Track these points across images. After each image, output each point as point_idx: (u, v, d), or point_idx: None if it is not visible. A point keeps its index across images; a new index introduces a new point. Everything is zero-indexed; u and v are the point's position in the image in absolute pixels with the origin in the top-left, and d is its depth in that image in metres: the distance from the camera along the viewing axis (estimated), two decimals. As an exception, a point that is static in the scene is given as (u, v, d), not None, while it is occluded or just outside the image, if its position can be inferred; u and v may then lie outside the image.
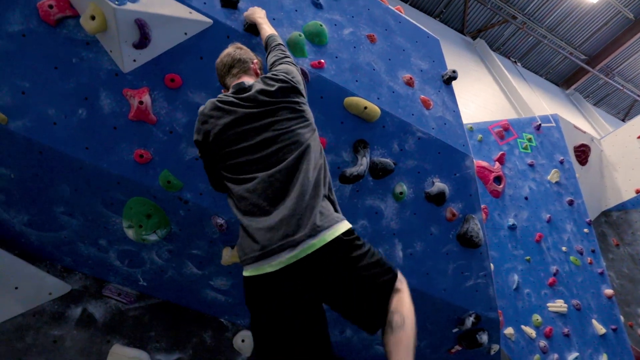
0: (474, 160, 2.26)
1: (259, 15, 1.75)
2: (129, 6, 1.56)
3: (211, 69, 1.78)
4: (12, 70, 1.57)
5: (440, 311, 2.29)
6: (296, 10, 2.01)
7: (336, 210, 1.35)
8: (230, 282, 2.14)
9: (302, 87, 1.49)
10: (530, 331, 3.40)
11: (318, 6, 2.09)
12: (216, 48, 1.75)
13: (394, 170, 2.07)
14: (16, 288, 1.85)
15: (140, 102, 1.67)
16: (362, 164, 1.94)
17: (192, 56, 1.75)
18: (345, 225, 1.27)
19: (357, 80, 2.02)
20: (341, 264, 1.22)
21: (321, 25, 1.98)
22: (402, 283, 1.35)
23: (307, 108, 1.47)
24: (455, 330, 2.37)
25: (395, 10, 2.41)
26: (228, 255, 1.96)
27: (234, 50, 1.55)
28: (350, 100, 1.95)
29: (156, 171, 1.75)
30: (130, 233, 1.82)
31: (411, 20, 2.46)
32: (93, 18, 1.55)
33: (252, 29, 1.80)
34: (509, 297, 3.50)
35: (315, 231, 1.19)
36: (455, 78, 2.34)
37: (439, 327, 2.39)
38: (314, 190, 1.27)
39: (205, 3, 1.76)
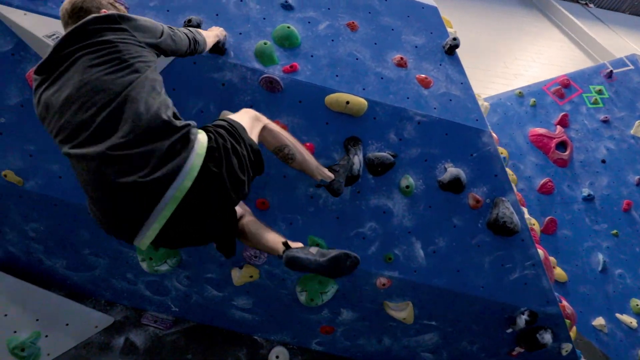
0: (494, 134, 1.95)
1: (214, 32, 1.71)
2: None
3: (185, 98, 1.81)
4: (18, 138, 1.78)
5: (484, 311, 2.01)
6: (264, 19, 1.95)
7: None
8: (251, 301, 2.14)
9: (131, 25, 1.23)
10: (629, 320, 2.83)
11: (288, 8, 2.00)
12: (182, 74, 1.77)
13: (394, 163, 1.87)
14: (67, 324, 2.09)
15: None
16: (354, 162, 1.79)
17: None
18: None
19: (337, 75, 1.88)
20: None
21: (289, 27, 1.89)
22: (258, 120, 1.49)
23: (131, 45, 1.20)
24: (509, 330, 2.06)
25: (381, -12, 2.21)
26: (237, 276, 1.97)
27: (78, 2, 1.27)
28: (330, 98, 1.82)
29: (153, 205, 1.83)
30: (144, 266, 1.93)
31: (403, -4, 2.23)
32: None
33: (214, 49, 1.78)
34: (594, 281, 2.96)
35: None
36: (457, 45, 2.04)
37: (488, 328, 2.09)
38: None
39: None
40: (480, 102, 3.19)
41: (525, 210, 2.63)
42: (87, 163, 1.08)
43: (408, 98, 1.90)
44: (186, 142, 1.14)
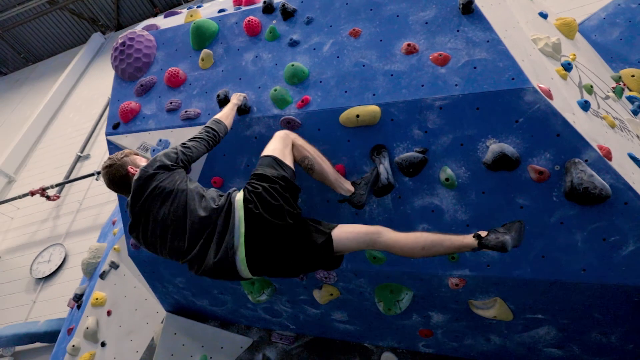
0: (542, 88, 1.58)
1: (232, 100, 2.01)
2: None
3: (234, 159, 2.16)
4: (148, 222, 2.46)
5: (602, 297, 1.63)
6: (276, 64, 2.14)
7: None
8: (345, 314, 2.31)
9: (157, 164, 1.63)
10: None
11: (294, 44, 2.14)
12: (228, 140, 2.12)
13: (426, 159, 1.75)
14: (222, 347, 2.71)
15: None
16: (381, 172, 1.77)
17: (218, 157, 2.19)
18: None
19: (345, 91, 1.90)
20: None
21: (293, 65, 2.02)
22: (288, 137, 1.76)
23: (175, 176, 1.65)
24: (651, 315, 1.60)
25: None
26: (319, 296, 2.18)
27: (107, 170, 1.69)
28: (343, 116, 1.85)
29: (238, 250, 2.23)
30: (250, 298, 2.35)
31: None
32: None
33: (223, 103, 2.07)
34: None
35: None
36: (472, 1, 1.75)
37: (620, 316, 1.67)
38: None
39: (209, 114, 2.19)
40: (560, 26, 2.55)
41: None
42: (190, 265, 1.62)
43: (423, 86, 1.75)
44: (230, 207, 1.57)
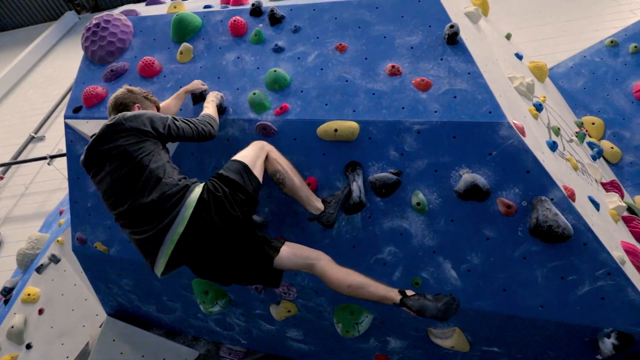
0: (513, 125, 1.62)
1: (210, 98, 1.92)
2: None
3: (200, 159, 2.05)
4: (99, 216, 2.28)
5: (555, 334, 1.66)
6: (258, 68, 2.08)
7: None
8: (301, 332, 2.23)
9: (135, 124, 1.56)
10: None
11: (279, 51, 2.09)
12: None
13: (400, 181, 1.74)
14: (164, 359, 2.52)
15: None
16: (354, 190, 1.73)
17: (185, 156, 2.07)
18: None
19: (326, 104, 1.87)
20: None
21: (275, 71, 1.97)
22: (262, 150, 1.71)
23: (145, 145, 1.57)
24: (598, 358, 1.64)
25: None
26: (276, 312, 2.09)
27: (122, 92, 1.77)
28: (320, 129, 1.82)
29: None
30: (202, 308, 2.21)
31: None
32: (116, 164, 2.10)
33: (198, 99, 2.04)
34: None
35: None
36: (457, 33, 1.79)
37: (571, 355, 1.71)
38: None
39: (181, 109, 2.08)
40: (532, 68, 2.69)
41: (619, 195, 2.10)
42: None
43: (403, 108, 1.76)
44: (181, 198, 1.50)
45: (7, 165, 5.29)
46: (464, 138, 1.66)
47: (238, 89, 2.05)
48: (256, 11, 2.22)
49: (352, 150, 1.81)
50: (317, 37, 2.07)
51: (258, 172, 1.65)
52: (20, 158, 5.59)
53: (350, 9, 2.09)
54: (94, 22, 2.45)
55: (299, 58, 2.04)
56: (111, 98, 1.79)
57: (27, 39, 9.22)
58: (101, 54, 2.39)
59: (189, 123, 1.68)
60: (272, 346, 2.45)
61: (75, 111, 2.27)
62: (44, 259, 3.00)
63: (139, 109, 1.73)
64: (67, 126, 2.29)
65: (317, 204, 1.75)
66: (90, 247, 2.30)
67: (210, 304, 2.17)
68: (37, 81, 7.65)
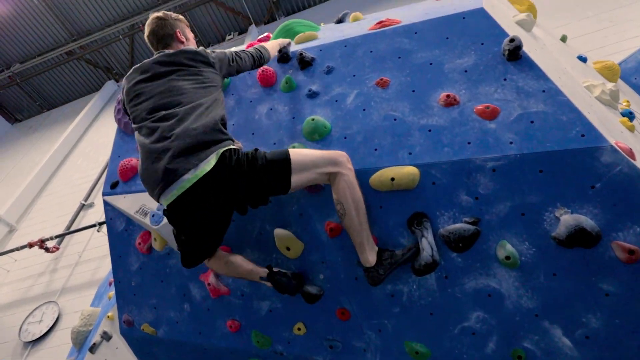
0: (618, 143, 1.29)
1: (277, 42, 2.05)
2: (165, 219, 1.90)
3: (244, 226, 1.87)
4: (145, 296, 2.14)
5: None
6: (293, 118, 1.90)
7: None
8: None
9: (211, 59, 1.67)
10: None
11: (313, 96, 1.91)
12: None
13: (479, 231, 1.44)
14: None
15: (208, 284, 1.90)
16: (424, 247, 1.45)
17: (226, 224, 1.90)
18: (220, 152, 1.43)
19: (376, 149, 1.63)
20: (227, 183, 1.42)
21: (313, 120, 1.78)
22: (336, 165, 1.48)
23: (209, 74, 1.64)
24: None
25: (409, 23, 1.90)
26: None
27: (155, 23, 1.75)
28: (373, 179, 1.58)
29: (247, 333, 1.88)
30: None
31: (435, 17, 1.86)
32: (156, 239, 1.97)
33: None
34: None
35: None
36: (519, 46, 1.52)
37: None
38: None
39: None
40: (601, 69, 2.32)
41: None
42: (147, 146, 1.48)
43: (469, 143, 1.48)
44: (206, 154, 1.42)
45: (61, 236, 5.48)
46: (555, 171, 1.35)
47: (275, 143, 1.88)
48: (284, 57, 2.08)
49: (414, 199, 1.55)
50: (354, 75, 1.88)
51: (296, 180, 1.47)
52: (73, 226, 5.79)
53: (385, 39, 1.90)
54: (124, 94, 2.42)
55: (336, 101, 1.85)
56: (148, 32, 1.77)
57: (74, 112, 9.96)
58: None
59: (246, 53, 1.81)
60: None
61: (112, 187, 2.20)
62: (96, 337, 2.91)
63: (180, 34, 1.78)
64: (105, 203, 2.21)
65: (369, 257, 1.49)
66: (138, 330, 2.15)
67: None
68: (85, 149, 8.12)
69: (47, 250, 5.36)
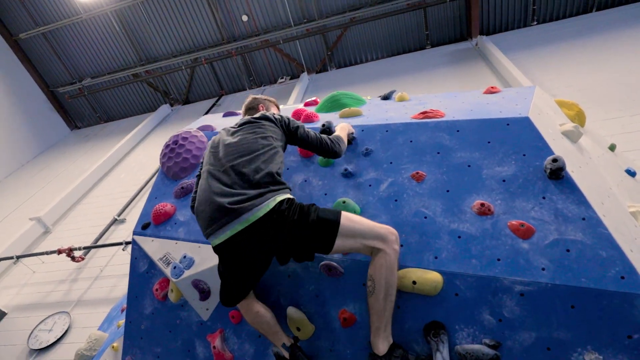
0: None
1: (341, 126, 2.05)
2: (185, 274, 1.94)
3: (259, 294, 1.87)
4: (150, 342, 2.15)
5: None
6: (325, 194, 1.94)
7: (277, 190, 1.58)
8: None
9: (279, 121, 1.85)
10: None
11: (348, 176, 1.95)
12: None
13: (499, 357, 1.35)
14: None
15: (214, 347, 1.89)
16: (437, 362, 1.38)
17: (242, 288, 1.91)
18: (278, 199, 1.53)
19: (402, 245, 1.62)
20: (278, 229, 1.49)
21: (344, 202, 1.80)
22: (383, 242, 1.49)
23: (270, 128, 1.80)
24: None
25: (452, 119, 1.93)
26: None
27: (249, 101, 2.20)
28: (395, 276, 1.55)
29: (242, 407, 1.82)
30: None
31: (479, 117, 1.89)
32: (172, 291, 2.00)
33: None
34: None
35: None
36: (562, 168, 1.50)
37: None
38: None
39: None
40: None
41: None
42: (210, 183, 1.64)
43: (499, 260, 1.44)
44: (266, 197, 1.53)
45: (88, 248, 5.70)
46: (588, 309, 1.27)
47: (303, 216, 1.91)
48: (326, 132, 2.15)
49: (434, 306, 1.50)
50: (391, 162, 1.91)
51: (340, 244, 1.50)
52: (103, 239, 6.02)
53: (428, 131, 1.94)
54: (172, 139, 2.59)
55: (370, 185, 1.88)
56: (246, 101, 2.22)
57: (128, 128, 10.69)
58: (175, 170, 2.46)
59: (319, 137, 1.84)
60: None
61: (144, 227, 2.30)
62: (97, 366, 2.91)
63: (262, 107, 2.16)
64: (134, 242, 2.30)
65: (381, 345, 1.45)
66: (138, 375, 2.14)
67: None
68: (130, 165, 8.60)
69: (73, 259, 5.57)
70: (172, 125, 10.16)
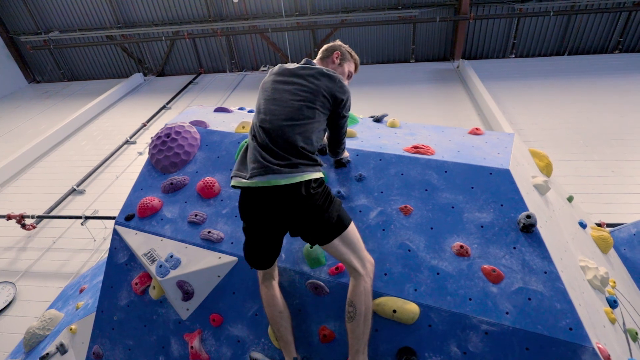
0: (600, 345, 1.43)
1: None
2: (171, 274, 1.97)
3: (243, 301, 1.94)
4: (122, 334, 2.15)
5: None
6: (317, 213, 2.04)
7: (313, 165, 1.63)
8: None
9: (338, 100, 1.75)
10: None
11: (341, 198, 2.06)
12: (244, 279, 1.94)
13: (460, 385, 1.54)
14: None
15: (191, 347, 1.94)
16: (406, 385, 1.54)
17: (226, 294, 1.98)
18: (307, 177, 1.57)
19: (385, 274, 1.76)
20: (298, 205, 1.56)
21: (336, 225, 1.91)
22: (363, 267, 1.64)
23: (321, 108, 1.70)
24: None
25: (442, 160, 2.09)
26: None
27: (330, 44, 2.00)
28: (377, 303, 1.69)
29: (213, 407, 1.90)
30: None
31: (465, 161, 2.06)
32: (154, 288, 2.02)
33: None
34: None
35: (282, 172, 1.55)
36: (534, 224, 1.71)
37: None
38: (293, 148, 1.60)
39: (232, 243, 2.02)
40: (596, 239, 2.53)
41: None
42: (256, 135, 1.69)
43: (470, 300, 1.62)
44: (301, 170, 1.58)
45: (41, 217, 5.40)
46: (539, 353, 1.48)
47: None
48: (322, 150, 2.25)
49: (408, 334, 1.66)
50: (382, 192, 2.04)
51: (335, 245, 1.62)
52: (59, 209, 5.72)
53: (418, 166, 2.08)
54: (165, 130, 2.55)
55: (360, 211, 2.00)
56: (326, 45, 2.02)
57: (94, 91, 10.09)
58: (165, 164, 2.45)
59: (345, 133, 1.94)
60: None
61: (127, 219, 2.27)
62: (51, 347, 2.82)
63: (338, 55, 1.95)
64: (115, 232, 2.27)
65: None
66: (105, 367, 2.14)
67: None
68: (92, 133, 8.15)
69: (23, 226, 5.27)
70: (143, 96, 9.73)
